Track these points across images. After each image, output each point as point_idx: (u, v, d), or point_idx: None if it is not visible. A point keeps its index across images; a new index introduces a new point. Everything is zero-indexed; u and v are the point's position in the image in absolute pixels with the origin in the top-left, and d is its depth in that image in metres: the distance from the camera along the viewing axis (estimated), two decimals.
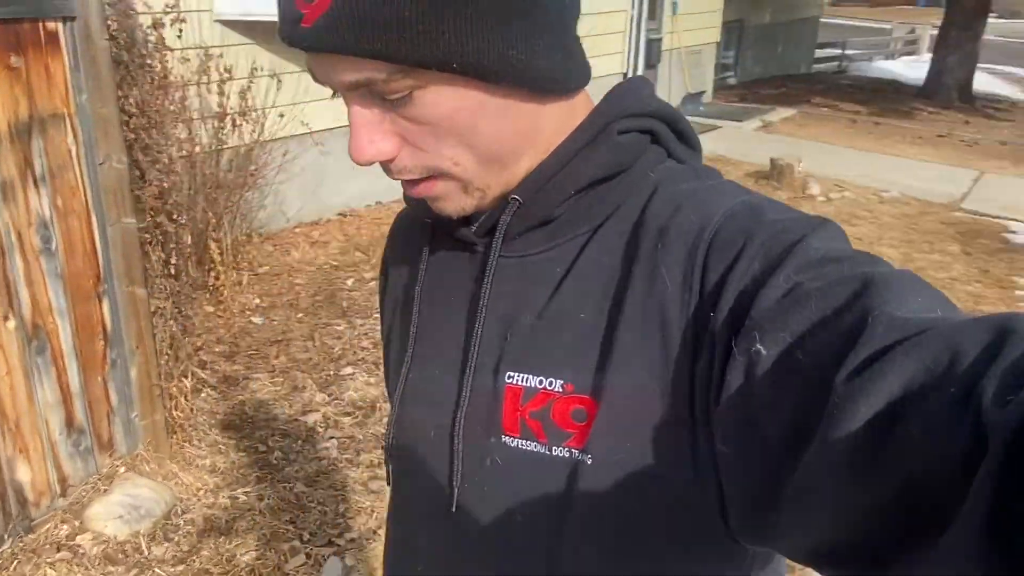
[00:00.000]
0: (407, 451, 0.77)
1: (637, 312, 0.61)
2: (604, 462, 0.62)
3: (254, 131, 4.41)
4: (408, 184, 0.66)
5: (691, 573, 0.64)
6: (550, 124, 0.66)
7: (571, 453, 0.63)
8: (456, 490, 0.70)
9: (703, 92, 10.25)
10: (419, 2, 0.54)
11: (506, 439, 0.66)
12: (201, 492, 2.74)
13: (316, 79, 0.62)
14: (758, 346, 0.50)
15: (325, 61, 0.59)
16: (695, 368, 0.57)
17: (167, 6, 3.60)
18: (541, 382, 0.65)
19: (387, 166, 0.64)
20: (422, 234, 0.78)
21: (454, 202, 0.67)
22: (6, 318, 2.26)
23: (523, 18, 0.58)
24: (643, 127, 0.67)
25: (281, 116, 4.62)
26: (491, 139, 0.63)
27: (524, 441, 0.65)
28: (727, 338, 0.53)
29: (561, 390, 0.64)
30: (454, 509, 0.70)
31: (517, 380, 0.66)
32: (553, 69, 0.62)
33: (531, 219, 0.67)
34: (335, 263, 4.85)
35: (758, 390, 0.50)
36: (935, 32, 13.49)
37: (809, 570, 0.58)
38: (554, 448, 0.64)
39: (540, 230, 0.68)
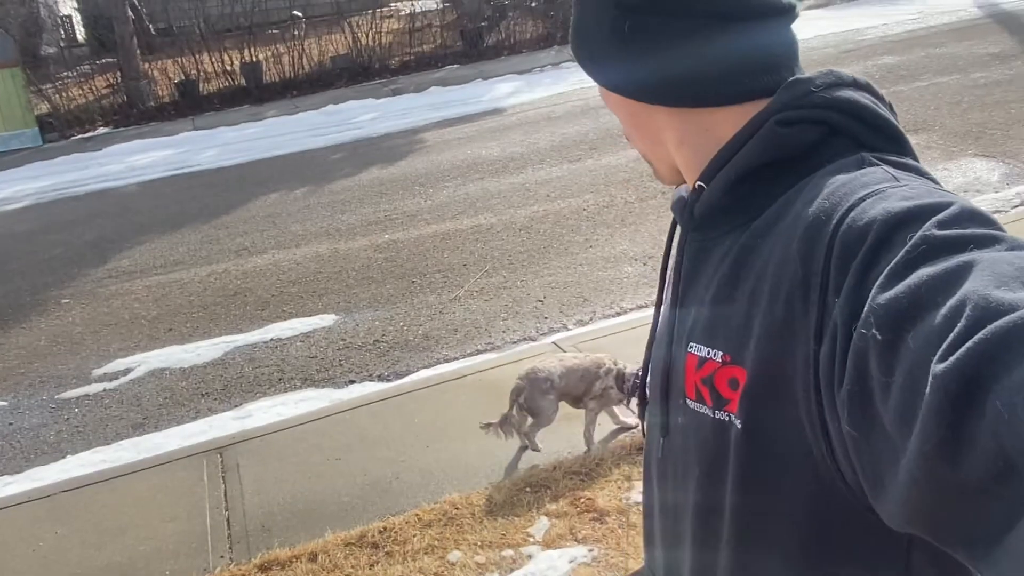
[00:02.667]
0: (648, 408, 0.91)
1: (776, 294, 0.66)
2: (750, 429, 0.69)
3: None
4: None
5: (836, 557, 0.69)
6: (674, 131, 0.81)
7: (728, 417, 0.71)
8: (662, 440, 0.85)
9: None
10: (573, 18, 0.85)
11: (688, 401, 0.76)
12: None
13: None
14: (874, 331, 0.52)
15: None
16: (820, 351, 0.60)
17: None
18: (709, 352, 0.73)
19: None
20: (673, 228, 0.94)
21: (650, 166, 0.89)
22: None
23: (597, 35, 0.81)
24: (815, 118, 0.72)
25: None
26: (623, 122, 0.86)
27: (698, 404, 0.75)
28: (848, 325, 0.56)
29: (721, 360, 0.72)
30: (660, 456, 0.86)
31: (694, 350, 0.75)
32: (629, 82, 0.80)
33: (708, 204, 0.77)
34: None
35: (875, 375, 0.52)
36: None
37: None
38: (716, 412, 0.72)
39: (716, 215, 0.77)
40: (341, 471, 3.35)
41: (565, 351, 4.11)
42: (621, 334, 4.21)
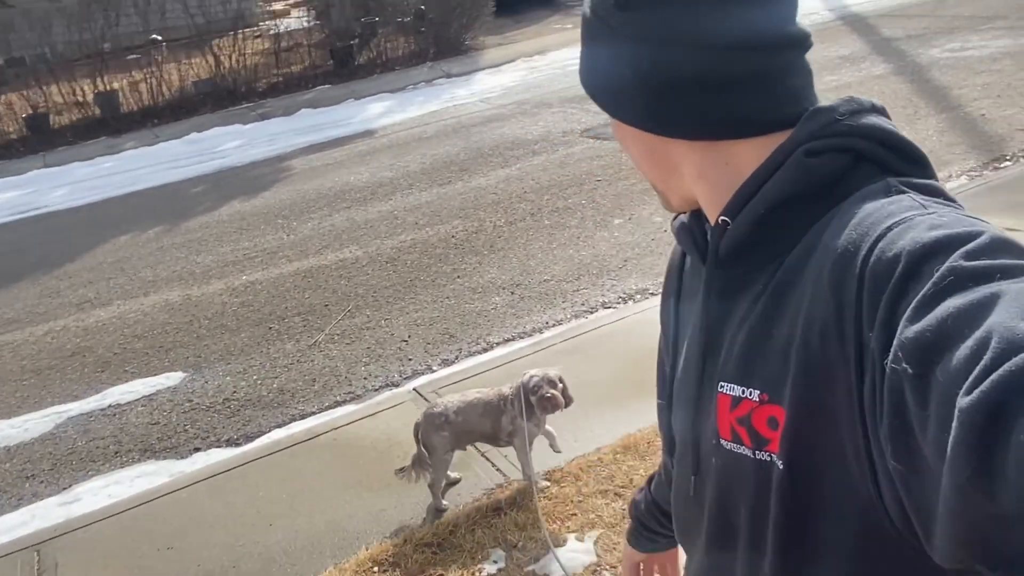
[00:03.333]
0: (675, 444, 0.91)
1: (811, 329, 0.64)
2: (793, 468, 0.68)
3: None
4: None
5: None
6: (687, 158, 0.79)
7: (770, 457, 0.70)
8: (693, 479, 0.84)
9: None
10: (583, 59, 0.83)
11: (723, 442, 0.75)
12: None
13: None
14: (904, 365, 0.51)
15: None
16: (862, 388, 0.58)
17: None
18: (744, 392, 0.72)
19: None
20: (679, 262, 0.95)
21: (658, 196, 0.88)
22: None
23: (615, 68, 0.77)
24: (841, 146, 0.71)
25: None
26: (636, 155, 0.84)
27: (735, 445, 0.74)
28: (882, 358, 0.55)
29: (758, 400, 0.70)
30: (691, 494, 0.85)
31: (727, 389, 0.74)
32: (648, 116, 0.77)
33: (735, 240, 0.75)
34: None
35: (912, 408, 0.51)
36: None
37: None
38: (757, 452, 0.71)
39: (744, 252, 0.75)
40: (172, 563, 3.01)
41: (425, 398, 3.89)
42: (485, 374, 4.01)
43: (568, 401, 2.94)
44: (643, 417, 3.32)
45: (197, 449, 3.98)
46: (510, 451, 3.20)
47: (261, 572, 2.88)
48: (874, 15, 12.00)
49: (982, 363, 0.46)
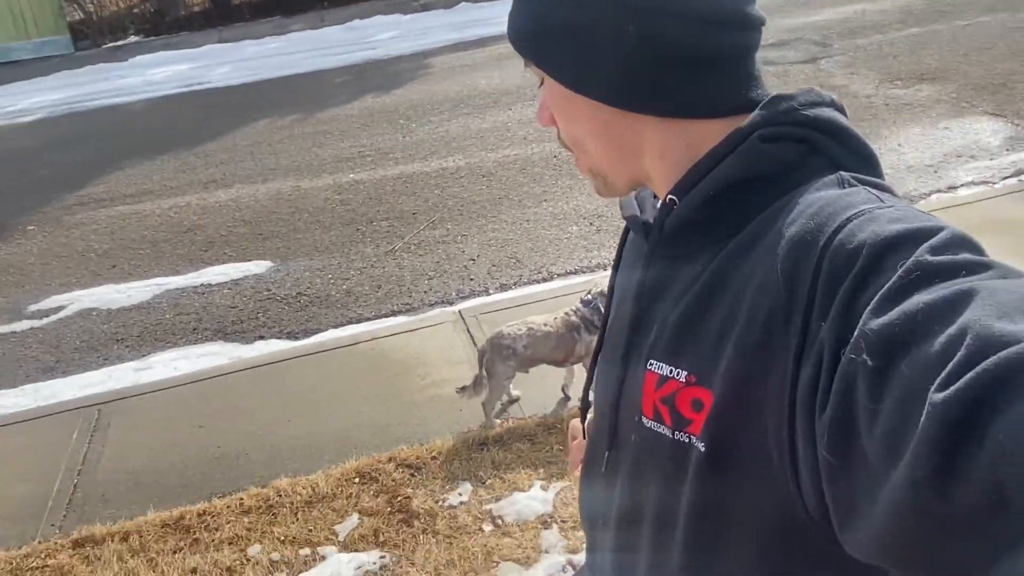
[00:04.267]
0: (592, 419, 0.93)
1: (755, 315, 0.63)
2: (713, 451, 0.67)
3: None
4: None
5: None
6: (656, 142, 0.77)
7: (689, 439, 0.70)
8: (607, 453, 0.84)
9: None
10: (522, 7, 0.78)
11: (644, 420, 0.75)
12: None
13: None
14: (864, 357, 0.51)
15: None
16: (799, 375, 0.58)
17: None
18: (671, 371, 0.71)
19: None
20: (626, 231, 0.94)
21: (594, 180, 0.83)
22: None
23: (586, 43, 0.74)
24: (796, 136, 0.71)
25: None
26: (584, 134, 0.79)
27: (656, 423, 0.73)
28: (835, 349, 0.54)
29: (684, 380, 0.70)
30: (603, 470, 0.85)
31: (655, 368, 0.73)
32: (644, 95, 0.74)
33: (682, 218, 0.75)
34: None
35: (862, 401, 0.51)
36: None
37: None
38: (676, 433, 0.71)
39: (689, 231, 0.75)
40: (198, 441, 3.35)
41: (466, 322, 3.99)
42: (532, 305, 4.04)
43: None
44: None
45: (261, 337, 4.31)
46: (518, 387, 3.30)
47: (266, 463, 3.16)
48: None
49: (956, 359, 0.45)
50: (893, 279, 0.53)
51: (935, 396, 0.45)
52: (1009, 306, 0.47)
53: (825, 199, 0.64)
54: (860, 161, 0.71)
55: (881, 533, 0.50)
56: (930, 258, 0.53)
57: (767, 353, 0.62)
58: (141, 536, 2.79)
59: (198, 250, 5.38)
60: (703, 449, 0.67)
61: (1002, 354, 0.43)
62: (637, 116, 0.75)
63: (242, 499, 2.92)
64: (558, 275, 4.55)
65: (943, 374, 0.45)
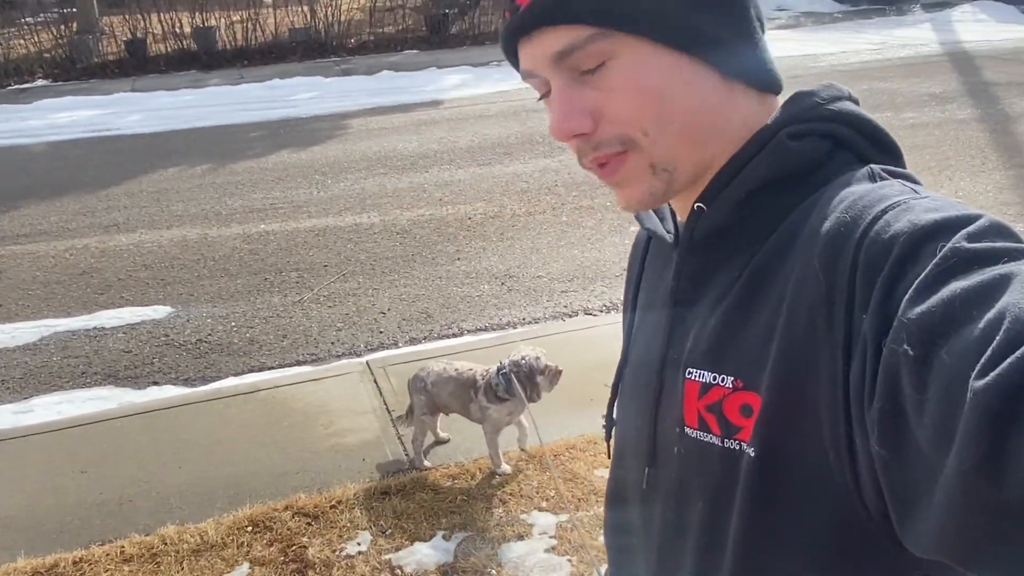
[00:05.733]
0: (621, 437, 0.90)
1: (798, 313, 0.62)
2: (766, 456, 0.65)
3: None
4: (601, 170, 0.73)
5: None
6: (739, 115, 0.72)
7: (740, 446, 0.67)
8: (647, 470, 0.80)
9: None
10: None
11: (688, 430, 0.72)
12: None
13: (526, 75, 0.74)
14: (906, 347, 0.50)
15: (535, 42, 0.70)
16: (850, 371, 0.57)
17: None
18: (715, 378, 0.69)
19: (581, 147, 0.72)
20: (643, 244, 0.91)
21: (643, 186, 0.73)
22: None
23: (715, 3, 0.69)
24: (822, 131, 0.70)
25: None
26: (679, 111, 0.69)
27: (702, 433, 0.71)
28: (877, 340, 0.54)
29: (731, 386, 0.68)
30: (644, 487, 0.81)
31: (695, 376, 0.71)
32: (741, 57, 0.71)
33: (713, 225, 0.73)
34: None
35: (908, 391, 0.50)
36: None
37: None
38: (726, 440, 0.69)
39: (721, 236, 0.73)
40: (80, 486, 3.14)
41: (373, 373, 3.92)
42: (440, 357, 4.01)
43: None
44: (579, 424, 3.31)
45: (155, 383, 4.12)
46: (449, 431, 3.26)
47: (151, 511, 2.98)
48: (982, 54, 11.36)
49: (995, 344, 0.44)
50: (930, 266, 0.52)
51: (976, 383, 0.44)
52: None
53: (859, 192, 0.63)
54: (884, 153, 0.71)
55: (939, 525, 0.48)
56: (968, 245, 0.52)
57: (813, 349, 0.61)
58: None
59: (93, 293, 5.14)
60: (753, 454, 0.66)
61: None
62: (733, 85, 0.71)
63: (123, 547, 2.74)
64: (468, 331, 4.54)
65: (983, 360, 0.44)
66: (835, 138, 0.70)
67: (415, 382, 3.13)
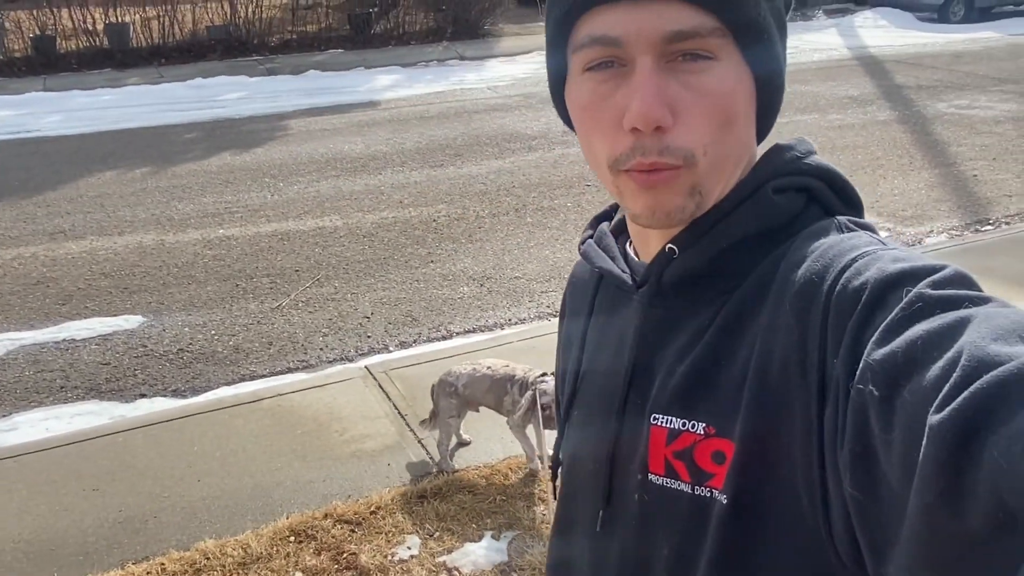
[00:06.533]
0: (570, 477, 0.87)
1: (771, 360, 0.63)
2: (739, 503, 0.65)
3: None
4: (644, 176, 0.68)
5: None
6: (750, 151, 0.73)
7: (711, 493, 0.67)
8: (602, 512, 0.78)
9: None
10: None
11: (652, 477, 0.71)
12: None
13: (599, 40, 0.66)
14: (871, 387, 0.51)
15: (646, 9, 0.64)
16: (823, 415, 0.58)
17: None
18: (684, 424, 0.69)
19: (646, 145, 0.66)
20: (592, 281, 0.88)
21: (677, 200, 0.69)
22: None
23: (783, 37, 0.72)
24: (799, 185, 0.72)
25: None
26: (736, 139, 0.69)
27: (669, 480, 0.70)
28: (847, 384, 0.55)
29: (703, 433, 0.68)
30: (598, 529, 0.79)
31: (662, 422, 0.70)
32: (779, 93, 0.72)
33: (685, 271, 0.72)
34: None
35: (876, 432, 0.51)
36: None
37: None
38: (696, 488, 0.68)
39: (692, 282, 0.72)
40: (95, 505, 3.02)
41: (376, 378, 3.91)
42: (439, 362, 4.02)
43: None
44: None
45: (143, 395, 3.98)
46: (470, 432, 3.29)
47: (180, 525, 2.90)
48: (889, 59, 12.05)
49: (951, 381, 0.46)
50: (895, 311, 0.54)
51: (933, 418, 0.45)
52: (1004, 329, 0.48)
53: (828, 243, 0.65)
54: (850, 207, 0.74)
55: (909, 560, 0.49)
56: (931, 291, 0.54)
57: (788, 396, 0.61)
58: None
59: (53, 304, 4.90)
60: (725, 501, 0.65)
61: (995, 372, 0.44)
62: (752, 122, 0.72)
63: (163, 564, 2.66)
64: (457, 333, 4.57)
65: (940, 395, 0.46)
66: (809, 191, 0.72)
67: (442, 386, 3.15)
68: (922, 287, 0.54)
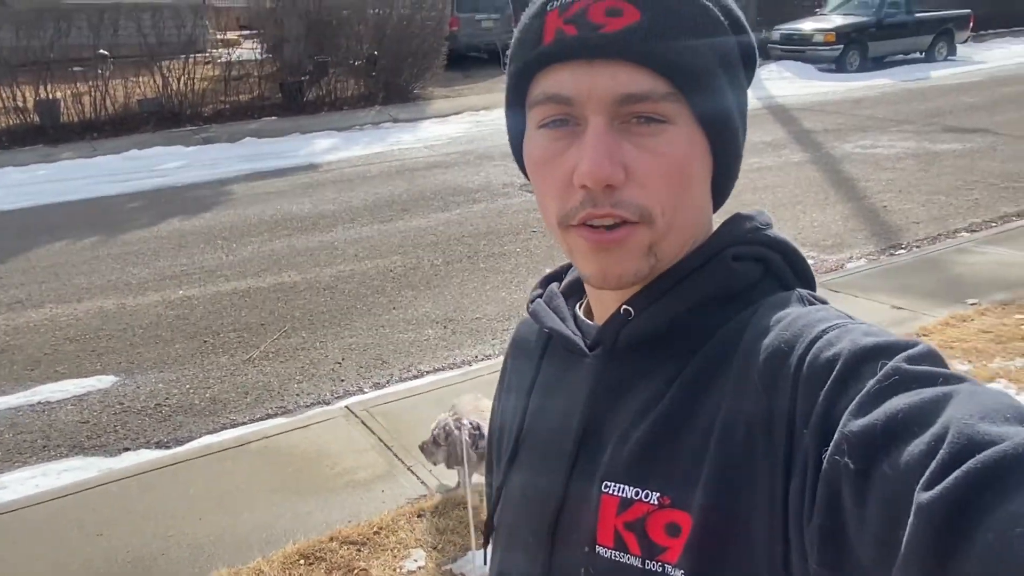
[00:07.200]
0: (505, 546, 0.82)
1: (734, 431, 0.61)
2: None
3: None
4: (597, 233, 0.67)
5: None
6: (705, 224, 0.74)
7: (664, 568, 0.63)
8: None
9: None
10: (713, 51, 0.67)
11: (600, 549, 0.67)
12: None
13: (552, 99, 0.67)
14: (847, 459, 0.50)
15: (598, 71, 0.65)
16: (789, 487, 0.56)
17: None
18: (637, 493, 0.66)
19: (596, 197, 0.66)
20: (539, 342, 0.84)
21: (632, 262, 0.69)
22: None
23: (742, 105, 0.72)
24: (757, 255, 0.72)
25: None
26: (691, 203, 0.70)
27: (618, 553, 0.66)
28: (818, 455, 0.53)
29: (657, 503, 0.65)
30: None
31: (613, 491, 0.67)
32: (728, 171, 0.73)
33: (641, 332, 0.71)
34: None
35: (848, 506, 0.50)
36: None
37: None
38: (647, 562, 0.64)
39: (647, 345, 0.71)
40: (102, 548, 3.12)
41: (357, 416, 4.09)
42: (418, 396, 4.24)
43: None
44: None
45: (127, 449, 4.07)
46: (437, 468, 3.46)
47: (190, 560, 3.02)
48: (796, 107, 12.94)
49: (939, 458, 0.44)
50: (872, 382, 0.53)
51: (921, 496, 0.44)
52: (989, 408, 0.47)
53: (796, 314, 0.64)
54: (804, 283, 0.74)
55: None
56: (907, 366, 0.53)
57: (750, 466, 0.60)
58: None
59: (21, 369, 4.94)
60: None
61: (987, 453, 0.43)
62: (708, 186, 0.73)
63: None
64: (427, 372, 4.79)
65: (928, 473, 0.44)
66: (765, 263, 0.72)
67: (454, 423, 3.20)
68: (898, 361, 0.54)
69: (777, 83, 15.84)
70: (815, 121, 11.71)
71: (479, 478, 3.22)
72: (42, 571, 3.00)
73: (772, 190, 8.14)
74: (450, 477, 3.41)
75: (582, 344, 0.77)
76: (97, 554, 3.09)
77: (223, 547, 3.09)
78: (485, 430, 2.93)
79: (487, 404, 3.30)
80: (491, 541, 0.86)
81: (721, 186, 0.74)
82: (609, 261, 0.69)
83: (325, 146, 11.69)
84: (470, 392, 3.56)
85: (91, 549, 3.12)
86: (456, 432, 3.00)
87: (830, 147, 9.97)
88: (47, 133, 12.56)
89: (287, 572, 2.88)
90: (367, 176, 9.64)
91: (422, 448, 3.23)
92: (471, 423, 3.07)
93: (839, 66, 16.70)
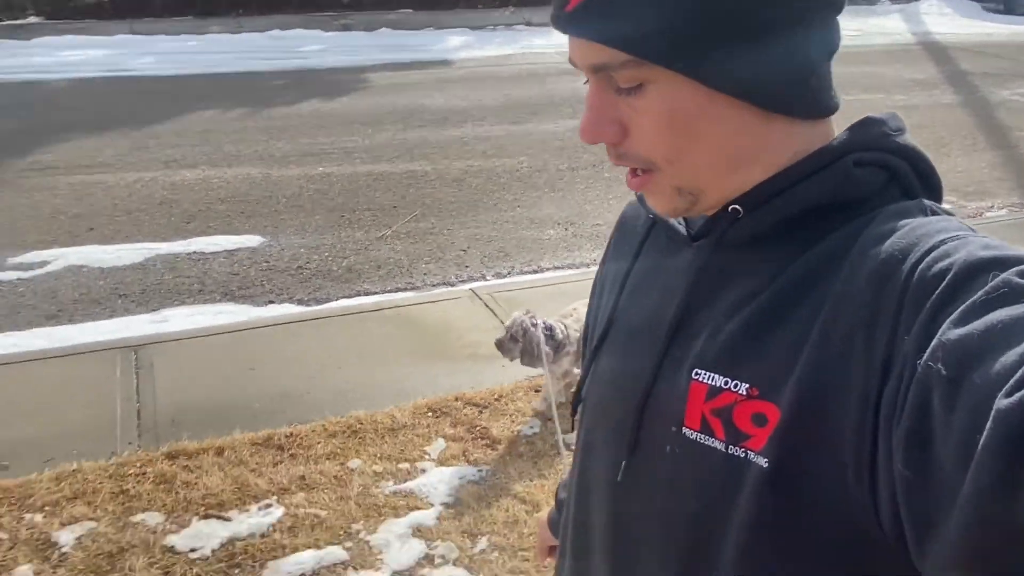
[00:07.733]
0: (594, 423, 0.85)
1: (835, 331, 0.62)
2: (781, 469, 0.63)
3: None
4: (629, 174, 0.72)
5: None
6: (776, 144, 0.70)
7: (747, 454, 0.65)
8: (624, 462, 0.77)
9: None
10: (659, 8, 0.64)
11: (686, 431, 0.70)
12: None
13: (570, 59, 0.71)
14: (940, 366, 0.50)
15: (575, 43, 0.69)
16: (883, 390, 0.57)
17: None
18: (727, 383, 0.67)
19: (609, 151, 0.71)
20: (642, 227, 0.86)
21: (666, 201, 0.73)
22: None
23: (750, 40, 0.65)
24: (882, 162, 0.69)
25: None
26: (708, 145, 0.68)
27: (703, 436, 0.69)
28: (915, 361, 0.53)
29: (745, 393, 0.66)
30: (619, 479, 0.77)
31: (703, 378, 0.69)
32: (779, 91, 0.67)
33: (746, 231, 0.71)
34: None
35: (937, 412, 0.50)
36: None
37: None
38: (731, 447, 0.67)
39: (755, 245, 0.71)
40: (254, 380, 3.50)
41: (481, 298, 4.34)
42: (538, 289, 4.45)
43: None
44: None
45: (271, 302, 4.46)
46: None
47: (331, 400, 3.36)
48: (954, 46, 12.16)
49: (1021, 369, 0.45)
50: (979, 293, 0.52)
51: (1000, 403, 0.44)
52: None
53: (916, 223, 0.63)
54: (930, 192, 0.71)
55: (956, 548, 0.48)
56: (1019, 280, 0.52)
57: (846, 367, 0.60)
58: (235, 451, 2.94)
59: (179, 221, 5.40)
60: (766, 465, 0.64)
61: None
62: (773, 117, 0.69)
63: (325, 425, 3.13)
64: (547, 268, 4.99)
65: (1012, 381, 0.45)
66: (891, 170, 0.69)
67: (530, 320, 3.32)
68: (1010, 274, 0.53)
69: (936, 19, 14.86)
70: (973, 63, 11.00)
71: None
72: (200, 394, 3.40)
73: (917, 130, 7.59)
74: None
75: (685, 234, 0.78)
76: (250, 384, 3.47)
77: (360, 394, 3.42)
78: (556, 332, 3.20)
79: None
80: (579, 412, 0.90)
81: (796, 107, 0.69)
82: (650, 198, 0.74)
83: (458, 43, 11.79)
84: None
85: (245, 380, 3.51)
86: (532, 329, 3.15)
87: (986, 91, 9.40)
88: (197, 5, 13.09)
89: (416, 419, 3.18)
90: (499, 76, 9.72)
91: (498, 344, 3.29)
92: (544, 322, 3.21)
93: (1008, 7, 15.47)
